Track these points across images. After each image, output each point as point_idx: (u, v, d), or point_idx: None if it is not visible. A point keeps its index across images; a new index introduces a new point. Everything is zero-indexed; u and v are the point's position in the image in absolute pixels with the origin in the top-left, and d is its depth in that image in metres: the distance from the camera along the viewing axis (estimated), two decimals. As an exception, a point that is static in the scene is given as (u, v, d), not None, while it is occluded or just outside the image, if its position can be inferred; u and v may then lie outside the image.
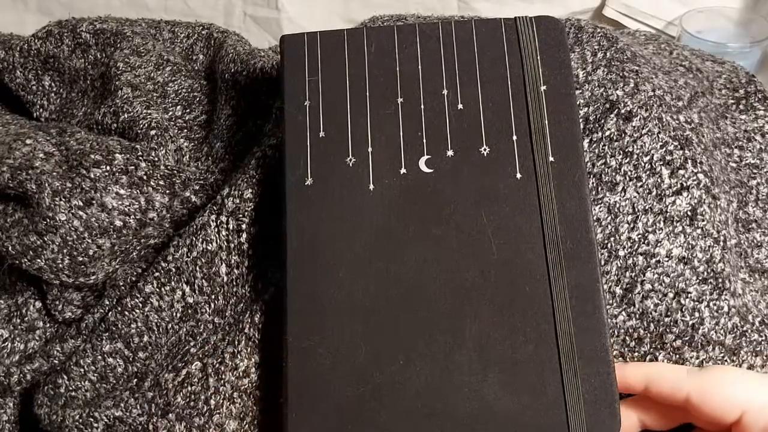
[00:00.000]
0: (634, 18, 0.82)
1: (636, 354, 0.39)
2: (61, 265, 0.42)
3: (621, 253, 0.40)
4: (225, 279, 0.42)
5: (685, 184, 0.41)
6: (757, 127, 0.49)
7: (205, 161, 0.51)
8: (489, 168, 0.38)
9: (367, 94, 0.40)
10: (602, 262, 0.40)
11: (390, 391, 0.35)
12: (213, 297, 0.42)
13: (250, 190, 0.42)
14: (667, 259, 0.40)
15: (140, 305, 0.42)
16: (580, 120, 0.42)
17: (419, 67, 0.40)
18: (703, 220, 0.40)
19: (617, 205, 0.41)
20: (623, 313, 0.40)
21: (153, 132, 0.48)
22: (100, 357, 0.42)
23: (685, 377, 0.35)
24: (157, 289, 0.42)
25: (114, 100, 0.50)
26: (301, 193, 0.38)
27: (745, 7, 0.79)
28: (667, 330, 0.39)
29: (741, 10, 0.79)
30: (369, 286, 0.37)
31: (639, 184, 0.41)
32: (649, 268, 0.40)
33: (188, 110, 0.54)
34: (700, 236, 0.40)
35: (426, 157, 0.39)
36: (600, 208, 0.41)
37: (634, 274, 0.40)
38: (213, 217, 0.42)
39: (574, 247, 0.37)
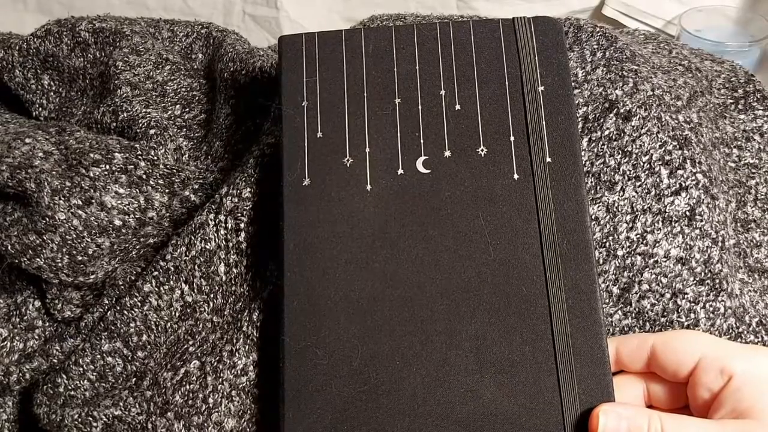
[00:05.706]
0: (634, 17, 0.82)
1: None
2: (60, 264, 0.42)
3: (619, 252, 0.40)
4: (223, 278, 0.42)
5: (683, 184, 0.41)
6: (756, 126, 0.49)
7: (205, 160, 0.51)
8: (486, 169, 0.38)
9: (365, 94, 0.40)
10: (600, 261, 0.40)
11: (386, 391, 0.36)
12: (211, 296, 0.42)
13: (248, 189, 0.42)
14: (665, 259, 0.40)
15: (139, 304, 0.42)
16: (579, 119, 0.42)
17: (417, 67, 0.40)
18: (701, 221, 0.40)
19: (616, 205, 0.41)
20: (619, 312, 0.40)
21: (152, 131, 0.48)
22: (99, 356, 0.42)
23: (649, 334, 0.37)
24: (156, 288, 0.42)
25: (113, 99, 0.50)
26: (299, 193, 0.38)
27: (745, 6, 0.79)
28: (663, 330, 0.39)
29: (740, 9, 0.79)
30: (366, 286, 0.37)
31: (638, 183, 0.41)
32: (647, 269, 0.40)
33: (187, 109, 0.54)
34: (699, 237, 0.40)
35: (423, 157, 0.39)
36: (598, 207, 0.41)
37: (632, 274, 0.40)
38: (212, 216, 0.42)
39: (571, 248, 0.37)
